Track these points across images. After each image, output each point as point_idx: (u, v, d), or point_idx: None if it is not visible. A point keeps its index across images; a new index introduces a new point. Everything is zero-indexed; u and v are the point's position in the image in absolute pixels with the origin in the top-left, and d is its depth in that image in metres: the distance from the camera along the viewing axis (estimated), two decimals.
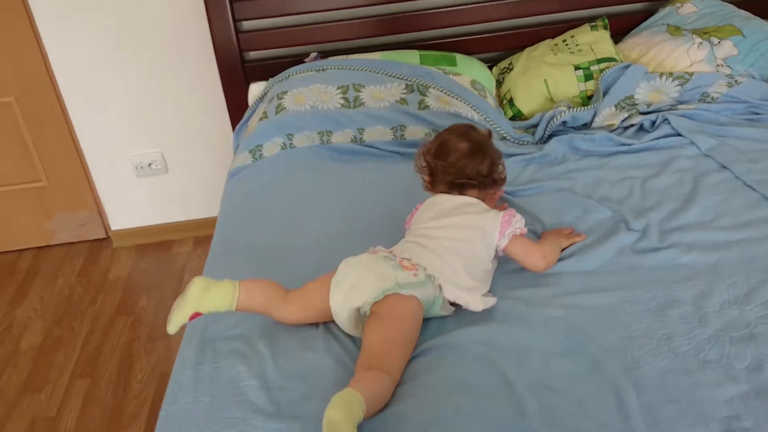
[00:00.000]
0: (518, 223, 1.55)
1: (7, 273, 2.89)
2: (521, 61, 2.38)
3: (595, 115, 2.16)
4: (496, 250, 1.55)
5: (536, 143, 2.13)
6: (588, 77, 2.28)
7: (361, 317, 1.44)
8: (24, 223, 2.95)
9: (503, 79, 2.40)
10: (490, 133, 1.70)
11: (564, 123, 2.14)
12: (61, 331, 2.55)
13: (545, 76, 2.28)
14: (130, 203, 2.93)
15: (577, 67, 2.29)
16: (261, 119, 2.26)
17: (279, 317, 1.48)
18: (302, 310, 1.48)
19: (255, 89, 2.51)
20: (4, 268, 2.92)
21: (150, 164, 2.84)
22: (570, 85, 2.27)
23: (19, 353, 2.47)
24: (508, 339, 1.43)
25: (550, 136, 2.12)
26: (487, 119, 2.16)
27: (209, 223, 2.89)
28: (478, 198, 1.60)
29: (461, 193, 1.61)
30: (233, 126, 2.57)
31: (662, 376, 1.34)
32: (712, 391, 1.30)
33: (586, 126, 2.16)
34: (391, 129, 2.16)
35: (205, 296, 1.41)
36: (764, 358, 1.35)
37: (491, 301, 1.50)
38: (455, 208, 1.58)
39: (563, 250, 1.64)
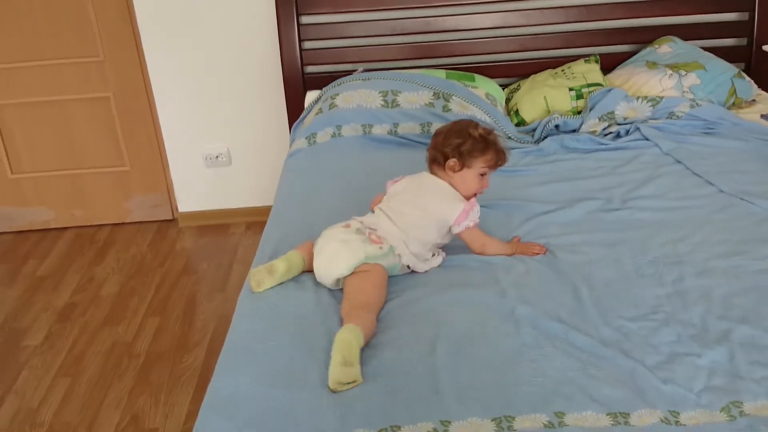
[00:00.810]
0: (473, 217, 1.89)
1: (87, 242, 3.44)
2: (527, 83, 2.95)
3: (582, 124, 2.71)
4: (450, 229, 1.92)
5: (534, 142, 2.68)
6: (579, 96, 2.84)
7: (339, 280, 1.81)
8: (106, 201, 3.52)
9: (512, 96, 2.97)
10: (479, 126, 1.96)
11: (557, 127, 2.70)
12: (135, 284, 3.08)
13: (545, 94, 2.84)
14: (197, 190, 3.50)
15: (571, 89, 2.85)
16: (317, 114, 2.83)
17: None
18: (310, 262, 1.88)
19: (311, 96, 3.10)
20: (85, 238, 3.47)
21: (217, 156, 3.41)
22: (564, 101, 2.83)
23: (100, 298, 2.99)
24: (501, 258, 1.95)
25: (546, 138, 2.67)
26: (496, 122, 2.72)
27: (261, 211, 3.46)
28: (445, 178, 1.93)
29: (432, 170, 1.96)
30: (290, 126, 3.16)
31: (608, 281, 1.84)
32: (644, 290, 1.79)
33: (575, 132, 2.71)
34: (420, 125, 2.72)
35: (287, 273, 1.85)
36: (686, 275, 1.84)
37: (436, 261, 1.90)
38: (428, 190, 1.93)
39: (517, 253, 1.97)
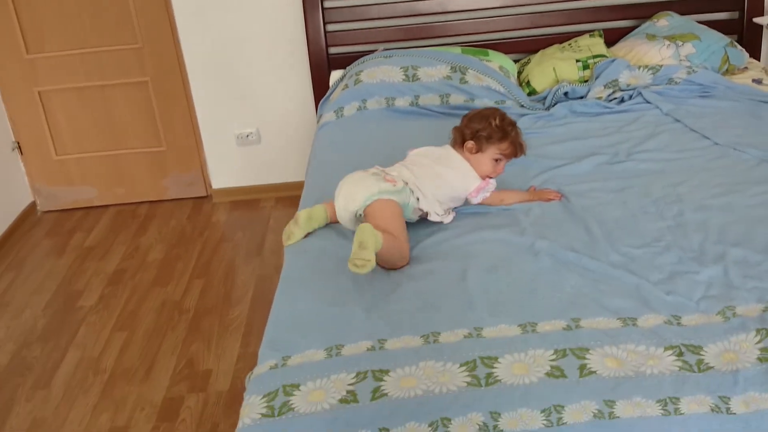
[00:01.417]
0: (489, 188, 2.09)
1: (129, 217, 3.70)
2: (537, 57, 3.20)
3: (588, 91, 2.95)
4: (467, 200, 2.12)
5: (545, 108, 2.92)
6: (585, 67, 3.08)
7: (358, 219, 1.99)
8: (145, 180, 3.77)
9: (523, 69, 3.21)
10: (504, 117, 2.13)
11: (566, 94, 2.94)
12: (178, 251, 3.33)
13: (554, 66, 3.08)
14: (229, 167, 3.75)
15: (577, 60, 3.09)
16: (343, 89, 3.08)
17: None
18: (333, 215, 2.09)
19: (335, 75, 3.34)
20: (127, 214, 3.73)
21: (248, 135, 3.66)
22: (572, 71, 3.07)
23: (147, 263, 3.25)
24: (520, 204, 2.19)
25: (556, 104, 2.91)
26: (510, 91, 2.97)
27: (289, 186, 3.72)
28: (464, 157, 2.12)
29: (454, 148, 2.15)
30: (316, 104, 3.40)
31: (616, 219, 2.08)
32: (648, 224, 2.04)
33: (582, 98, 2.95)
34: (439, 96, 2.96)
35: (309, 222, 2.09)
36: (685, 211, 2.08)
37: (449, 217, 2.08)
38: (448, 161, 2.12)
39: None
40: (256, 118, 3.65)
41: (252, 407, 1.54)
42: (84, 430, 2.31)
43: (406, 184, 2.03)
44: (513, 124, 2.15)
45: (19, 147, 3.67)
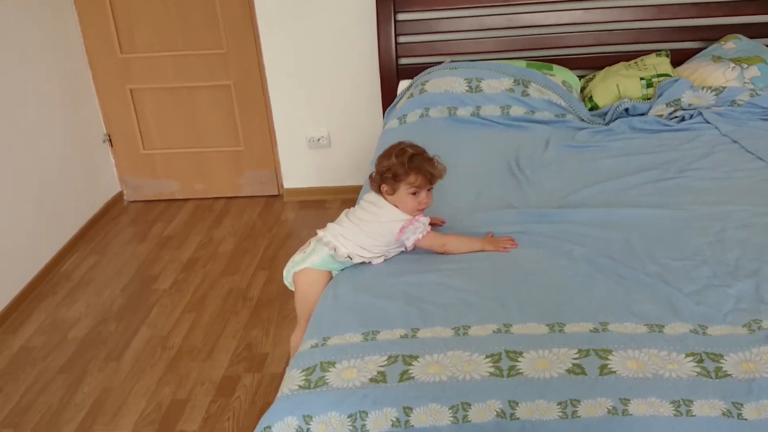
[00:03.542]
0: (418, 230, 2.01)
1: (206, 210, 3.94)
2: (602, 73, 3.25)
3: (650, 109, 2.98)
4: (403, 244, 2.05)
5: (605, 123, 2.98)
6: (649, 85, 3.11)
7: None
8: (222, 176, 4.01)
9: (587, 85, 3.27)
10: (403, 150, 2.03)
11: (626, 111, 2.98)
12: (247, 245, 3.54)
13: (618, 82, 3.13)
14: (300, 168, 3.94)
15: (641, 78, 3.13)
16: (408, 98, 3.22)
17: None
18: None
19: (403, 84, 3.49)
20: (204, 208, 3.98)
21: (319, 139, 3.85)
22: (635, 89, 3.11)
23: (218, 254, 3.47)
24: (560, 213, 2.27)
25: (616, 119, 2.96)
26: (571, 105, 3.04)
27: (354, 189, 3.85)
28: (379, 197, 2.06)
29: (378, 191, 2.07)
30: (383, 112, 3.55)
31: (658, 231, 2.12)
32: (690, 239, 2.06)
33: (642, 116, 2.98)
34: (500, 107, 3.06)
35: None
36: (728, 228, 2.11)
37: (378, 260, 2.07)
38: (375, 206, 2.07)
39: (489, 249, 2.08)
40: (328, 123, 3.83)
41: (291, 379, 1.69)
42: (147, 400, 2.52)
43: (320, 239, 2.09)
44: (413, 154, 2.01)
45: (110, 140, 3.97)
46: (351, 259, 2.07)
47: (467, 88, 3.14)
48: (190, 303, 3.07)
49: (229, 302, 3.06)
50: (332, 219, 2.17)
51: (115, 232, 3.77)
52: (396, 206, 2.05)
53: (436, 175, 2.04)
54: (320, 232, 2.13)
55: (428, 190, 2.05)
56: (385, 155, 2.05)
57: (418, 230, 2.03)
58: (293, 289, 2.17)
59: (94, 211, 3.84)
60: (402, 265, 2.07)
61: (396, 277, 2.00)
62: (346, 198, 3.93)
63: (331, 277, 2.11)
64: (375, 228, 2.05)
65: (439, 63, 3.44)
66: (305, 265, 2.10)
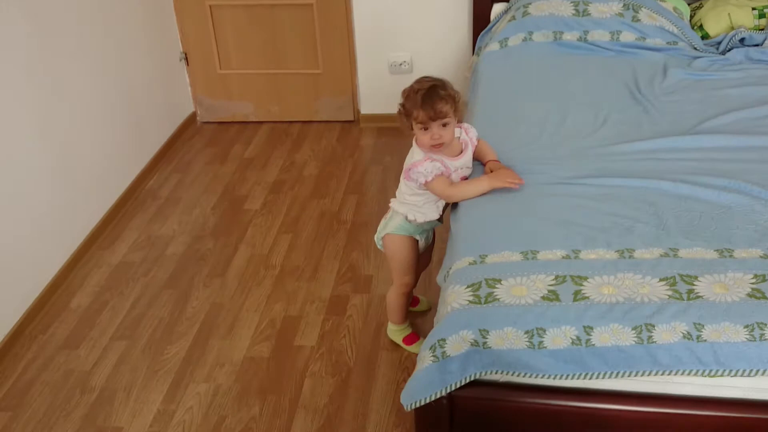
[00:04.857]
0: (424, 172, 1.97)
1: (283, 134, 3.88)
2: (710, 2, 3.13)
3: (765, 39, 2.88)
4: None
5: (720, 53, 2.88)
6: (762, 15, 3.00)
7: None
8: (298, 100, 3.94)
9: (695, 13, 3.15)
10: (410, 87, 1.97)
11: (741, 41, 2.88)
12: (332, 169, 3.49)
13: (729, 11, 3.01)
14: (378, 94, 3.86)
15: (753, 8, 3.01)
16: (509, 21, 3.11)
17: None
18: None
19: (497, 8, 3.38)
20: (280, 131, 3.91)
21: (401, 64, 3.76)
22: (747, 19, 3.00)
23: (303, 177, 3.42)
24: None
25: (731, 50, 2.86)
26: (683, 33, 2.93)
27: None
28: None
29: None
30: (474, 37, 3.45)
31: None
32: None
33: (758, 46, 2.88)
34: (610, 33, 2.96)
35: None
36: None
37: (432, 214, 2.12)
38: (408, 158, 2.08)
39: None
40: (411, 48, 3.73)
41: (458, 294, 1.67)
42: (260, 316, 2.52)
43: (390, 208, 2.18)
44: (417, 89, 1.94)
45: (186, 58, 3.88)
46: (417, 220, 2.12)
47: (574, 12, 3.03)
48: (284, 224, 3.04)
49: (323, 224, 3.03)
50: (410, 146, 2.09)
51: (194, 152, 3.72)
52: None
53: (437, 111, 1.91)
54: (392, 201, 2.19)
55: (443, 125, 1.94)
56: (403, 95, 2.00)
57: (425, 172, 1.99)
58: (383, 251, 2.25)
59: (172, 130, 3.78)
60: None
61: (542, 197, 1.96)
62: None
63: (416, 241, 2.19)
64: (402, 178, 2.09)
65: None
66: (387, 231, 2.18)
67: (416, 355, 2.28)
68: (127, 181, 3.30)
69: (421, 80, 1.99)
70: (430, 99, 1.92)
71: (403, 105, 1.98)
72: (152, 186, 3.40)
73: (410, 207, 2.13)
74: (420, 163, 1.99)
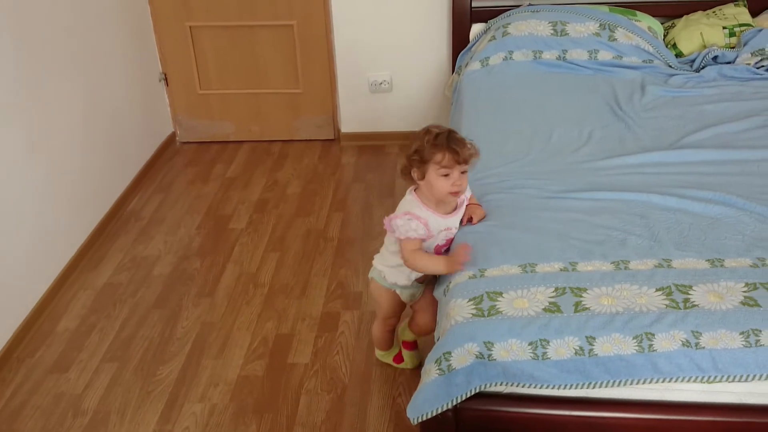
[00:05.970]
0: (400, 229, 1.89)
1: (264, 153, 3.89)
2: (681, 21, 3.24)
3: (737, 57, 2.99)
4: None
5: (694, 70, 2.98)
6: (732, 34, 3.11)
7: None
8: (279, 119, 3.95)
9: (668, 32, 3.26)
10: (428, 130, 1.88)
11: (714, 58, 2.99)
12: (314, 187, 3.50)
13: (701, 31, 3.13)
14: (359, 113, 3.90)
15: (724, 27, 3.13)
16: (490, 41, 3.18)
17: None
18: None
19: (476, 28, 3.45)
20: (261, 150, 3.92)
21: (381, 83, 3.80)
22: (719, 38, 3.11)
23: (287, 196, 3.43)
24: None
25: (705, 67, 2.97)
26: (658, 51, 3.03)
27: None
28: (416, 192, 1.95)
29: (407, 181, 1.97)
30: (454, 57, 3.51)
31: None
32: None
33: (730, 64, 2.99)
34: (588, 52, 3.05)
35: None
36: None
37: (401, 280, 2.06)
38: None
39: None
40: (391, 67, 3.78)
41: (461, 308, 1.70)
42: (252, 334, 2.51)
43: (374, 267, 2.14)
44: (438, 133, 1.86)
45: (166, 79, 3.88)
46: (397, 283, 2.08)
47: (552, 32, 3.12)
48: (270, 242, 3.05)
49: (310, 242, 3.04)
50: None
51: (175, 172, 3.70)
52: (428, 195, 1.91)
53: (464, 154, 1.83)
54: (375, 258, 2.16)
55: (462, 172, 1.86)
56: (412, 140, 1.92)
57: (402, 230, 1.89)
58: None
59: (152, 151, 3.76)
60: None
61: (538, 211, 2.01)
62: (403, 144, 3.89)
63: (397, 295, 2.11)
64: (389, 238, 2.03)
65: (514, 7, 3.40)
66: (372, 275, 2.15)
67: (410, 369, 2.33)
68: (110, 202, 3.27)
69: (431, 128, 1.90)
70: (456, 142, 1.84)
71: (417, 151, 1.86)
72: (134, 207, 3.38)
73: (388, 268, 2.07)
74: (402, 216, 1.90)
